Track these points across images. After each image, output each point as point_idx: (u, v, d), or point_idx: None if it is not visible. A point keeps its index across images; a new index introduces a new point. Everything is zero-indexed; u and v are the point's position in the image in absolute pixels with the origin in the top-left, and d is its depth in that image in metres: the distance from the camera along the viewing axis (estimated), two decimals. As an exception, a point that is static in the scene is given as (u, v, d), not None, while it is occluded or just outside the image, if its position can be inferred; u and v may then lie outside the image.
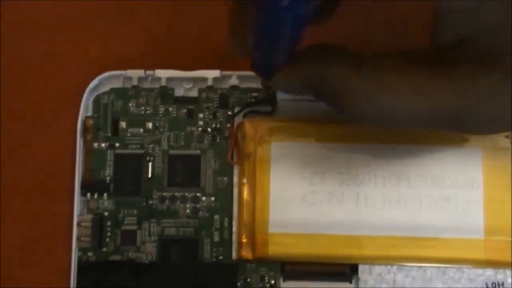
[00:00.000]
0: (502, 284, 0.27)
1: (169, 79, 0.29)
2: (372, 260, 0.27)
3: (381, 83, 0.20)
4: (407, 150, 0.27)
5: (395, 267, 0.27)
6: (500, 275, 0.27)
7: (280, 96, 0.28)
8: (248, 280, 0.28)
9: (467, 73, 0.19)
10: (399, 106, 0.20)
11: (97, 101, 0.29)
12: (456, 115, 0.19)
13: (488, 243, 0.27)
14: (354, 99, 0.20)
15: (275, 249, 0.27)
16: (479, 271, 0.27)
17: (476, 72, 0.19)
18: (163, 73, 0.29)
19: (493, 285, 0.27)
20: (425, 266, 0.27)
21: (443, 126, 0.20)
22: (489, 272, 0.27)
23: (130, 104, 0.29)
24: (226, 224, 0.28)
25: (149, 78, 0.29)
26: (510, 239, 0.26)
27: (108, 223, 0.28)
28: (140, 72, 0.29)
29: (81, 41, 0.30)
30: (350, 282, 0.27)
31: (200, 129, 0.29)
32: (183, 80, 0.29)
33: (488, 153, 0.27)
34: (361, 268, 0.27)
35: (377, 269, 0.27)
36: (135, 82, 0.29)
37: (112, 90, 0.29)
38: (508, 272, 0.27)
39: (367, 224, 0.27)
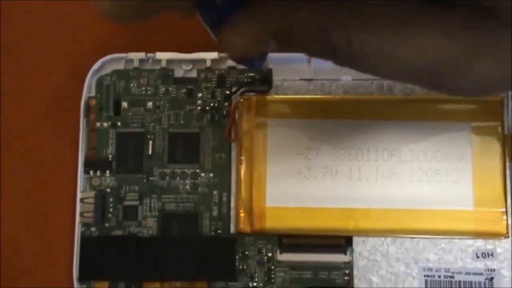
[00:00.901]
0: (492, 254, 0.27)
1: (169, 61, 0.30)
2: (366, 233, 0.28)
3: (363, 21, 0.16)
4: (398, 126, 0.28)
5: (388, 239, 0.28)
6: (490, 245, 0.28)
7: (276, 75, 0.29)
8: (246, 253, 0.28)
9: (461, 17, 0.16)
10: (382, 49, 0.16)
11: (99, 82, 0.30)
12: (445, 68, 0.16)
13: (478, 214, 0.27)
14: (335, 44, 0.17)
15: (272, 223, 0.28)
16: (469, 241, 0.28)
17: (472, 17, 0.16)
18: (163, 55, 0.30)
19: (483, 255, 0.27)
20: (417, 238, 0.28)
21: (426, 79, 0.17)
22: (479, 243, 0.28)
23: (132, 85, 0.30)
24: (224, 199, 0.29)
25: (150, 60, 0.30)
26: (498, 210, 0.27)
27: (111, 199, 0.29)
28: (141, 55, 0.30)
29: (84, 26, 0.31)
30: (345, 254, 0.28)
31: (199, 108, 0.30)
32: (183, 61, 0.30)
33: (476, 127, 0.28)
34: (355, 240, 0.28)
35: (371, 241, 0.28)
36: (136, 64, 0.30)
37: (114, 71, 0.30)
38: (497, 242, 0.27)
39: (361, 197, 0.28)
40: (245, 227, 0.28)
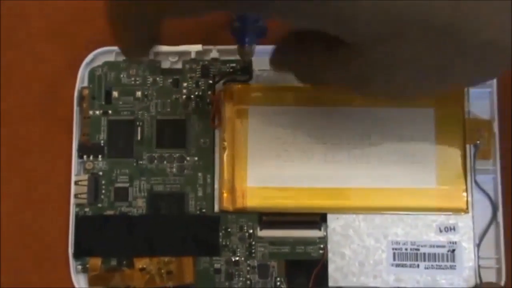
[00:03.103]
0: (453, 228, 0.30)
1: (156, 53, 0.32)
2: (339, 210, 0.30)
3: None
4: (369, 112, 0.30)
5: (360, 216, 0.30)
6: (452, 220, 0.30)
7: (256, 66, 0.31)
8: (229, 229, 0.31)
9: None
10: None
11: (92, 73, 0.32)
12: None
13: (440, 191, 0.30)
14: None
15: (252, 202, 0.30)
16: (433, 217, 0.30)
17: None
18: None
19: (446, 229, 0.30)
20: (386, 214, 0.30)
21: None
22: (441, 218, 0.30)
23: (122, 76, 0.32)
24: (208, 180, 0.31)
25: None
26: (459, 187, 0.30)
27: (103, 182, 0.31)
28: None
29: (77, 21, 0.33)
30: (320, 230, 0.30)
31: (184, 96, 0.32)
32: (169, 54, 0.32)
33: (440, 112, 0.30)
34: (329, 217, 0.30)
35: (344, 217, 0.30)
36: None
37: (105, 63, 0.32)
38: (458, 217, 0.30)
39: (334, 177, 0.30)
40: (227, 206, 0.31)
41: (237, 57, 0.31)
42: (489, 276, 0.30)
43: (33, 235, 0.32)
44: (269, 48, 0.31)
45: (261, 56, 0.31)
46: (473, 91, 0.31)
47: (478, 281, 0.30)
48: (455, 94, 0.30)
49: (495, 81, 0.31)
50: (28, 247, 0.32)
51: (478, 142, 0.30)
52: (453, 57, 0.19)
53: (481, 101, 0.31)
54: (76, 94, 0.32)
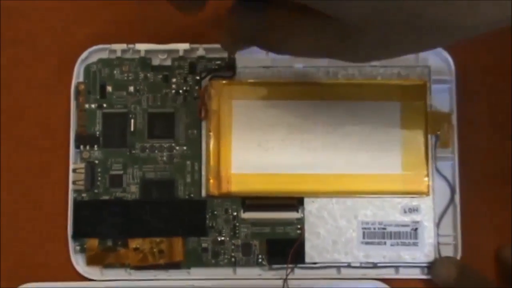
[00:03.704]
0: (416, 209, 0.33)
1: (147, 51, 0.34)
2: (315, 194, 0.33)
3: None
4: (341, 105, 0.33)
5: (333, 199, 0.33)
6: (415, 202, 0.33)
7: (239, 63, 0.34)
8: (215, 212, 0.33)
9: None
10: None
11: (87, 70, 0.34)
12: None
13: (405, 177, 0.33)
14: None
15: (236, 187, 0.33)
16: (398, 199, 0.33)
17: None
18: (142, 46, 0.34)
19: (409, 210, 0.33)
20: (356, 197, 0.33)
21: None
22: (406, 200, 0.33)
23: (115, 72, 0.34)
24: (196, 167, 0.33)
25: (131, 51, 0.34)
26: (422, 173, 0.33)
27: (99, 169, 0.33)
28: (123, 46, 0.34)
29: (73, 20, 0.35)
30: (297, 212, 0.33)
31: (173, 91, 0.34)
32: (159, 51, 0.34)
33: (405, 105, 0.33)
34: (306, 200, 0.33)
35: (319, 201, 0.33)
36: (119, 53, 0.34)
37: (100, 60, 0.34)
38: (421, 199, 0.33)
39: (310, 164, 0.33)
40: (214, 191, 0.33)
41: (222, 55, 0.34)
42: (447, 251, 0.33)
43: (35, 219, 0.34)
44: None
45: (244, 55, 0.33)
46: (435, 87, 0.33)
47: (437, 255, 0.33)
48: (418, 90, 0.33)
49: (453, 78, 0.34)
50: (31, 230, 0.34)
51: (438, 132, 0.33)
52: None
53: (442, 96, 0.34)
54: (72, 89, 0.34)
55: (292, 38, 0.23)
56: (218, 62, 0.34)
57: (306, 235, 0.33)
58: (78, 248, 0.33)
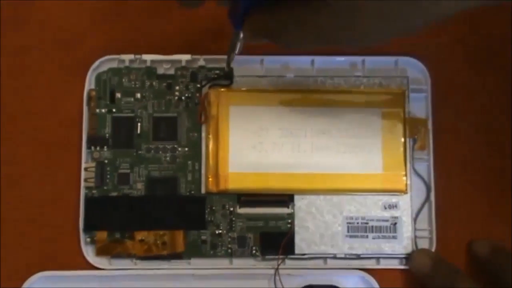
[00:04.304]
0: (396, 205, 0.36)
1: (153, 61, 0.36)
2: (304, 191, 0.35)
3: None
4: (328, 111, 0.36)
5: (321, 196, 0.36)
6: (394, 199, 0.36)
7: (236, 73, 0.36)
8: (214, 208, 0.36)
9: None
10: None
11: (98, 78, 0.36)
12: None
13: (385, 176, 0.35)
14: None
15: (233, 184, 0.35)
16: (379, 197, 0.36)
17: None
18: (148, 57, 0.37)
19: (389, 206, 0.36)
20: (341, 195, 0.36)
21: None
22: (386, 197, 0.36)
23: (123, 80, 0.36)
24: (196, 167, 0.36)
25: (138, 61, 0.37)
26: (400, 173, 0.36)
27: (108, 168, 0.36)
28: (131, 56, 0.36)
29: (86, 33, 0.38)
30: (288, 208, 0.35)
31: (176, 97, 0.36)
32: (163, 61, 0.37)
33: (385, 112, 0.36)
34: (296, 197, 0.35)
35: (308, 198, 0.36)
36: (127, 63, 0.36)
37: (110, 69, 0.37)
38: (399, 197, 0.36)
39: (300, 165, 0.35)
40: (212, 188, 0.35)
41: (221, 65, 0.36)
42: (423, 244, 0.36)
43: (49, 213, 0.36)
44: (248, 58, 0.36)
45: (242, 64, 0.36)
46: (412, 96, 0.36)
47: (414, 247, 0.35)
48: (398, 98, 0.36)
49: (429, 87, 0.37)
50: (46, 224, 0.36)
51: (416, 136, 0.36)
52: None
53: (419, 103, 0.37)
54: (85, 95, 0.36)
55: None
56: (217, 71, 0.36)
57: (296, 228, 0.35)
58: (88, 240, 0.35)
